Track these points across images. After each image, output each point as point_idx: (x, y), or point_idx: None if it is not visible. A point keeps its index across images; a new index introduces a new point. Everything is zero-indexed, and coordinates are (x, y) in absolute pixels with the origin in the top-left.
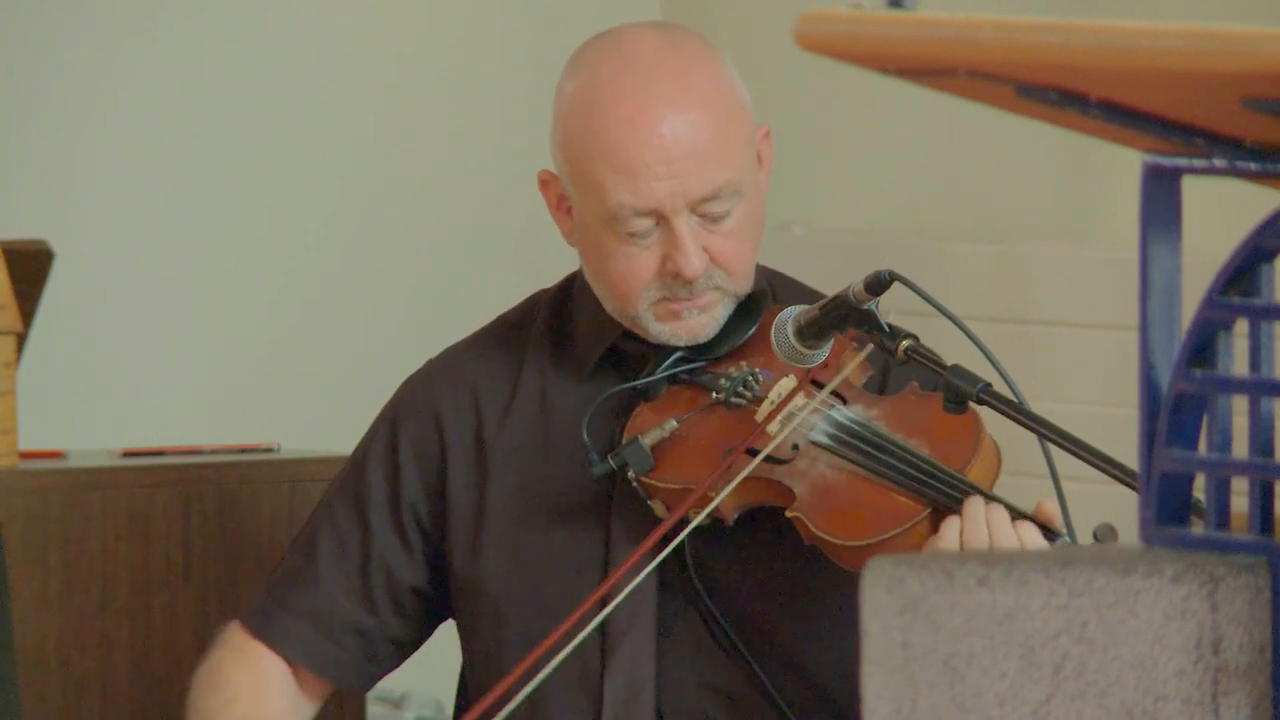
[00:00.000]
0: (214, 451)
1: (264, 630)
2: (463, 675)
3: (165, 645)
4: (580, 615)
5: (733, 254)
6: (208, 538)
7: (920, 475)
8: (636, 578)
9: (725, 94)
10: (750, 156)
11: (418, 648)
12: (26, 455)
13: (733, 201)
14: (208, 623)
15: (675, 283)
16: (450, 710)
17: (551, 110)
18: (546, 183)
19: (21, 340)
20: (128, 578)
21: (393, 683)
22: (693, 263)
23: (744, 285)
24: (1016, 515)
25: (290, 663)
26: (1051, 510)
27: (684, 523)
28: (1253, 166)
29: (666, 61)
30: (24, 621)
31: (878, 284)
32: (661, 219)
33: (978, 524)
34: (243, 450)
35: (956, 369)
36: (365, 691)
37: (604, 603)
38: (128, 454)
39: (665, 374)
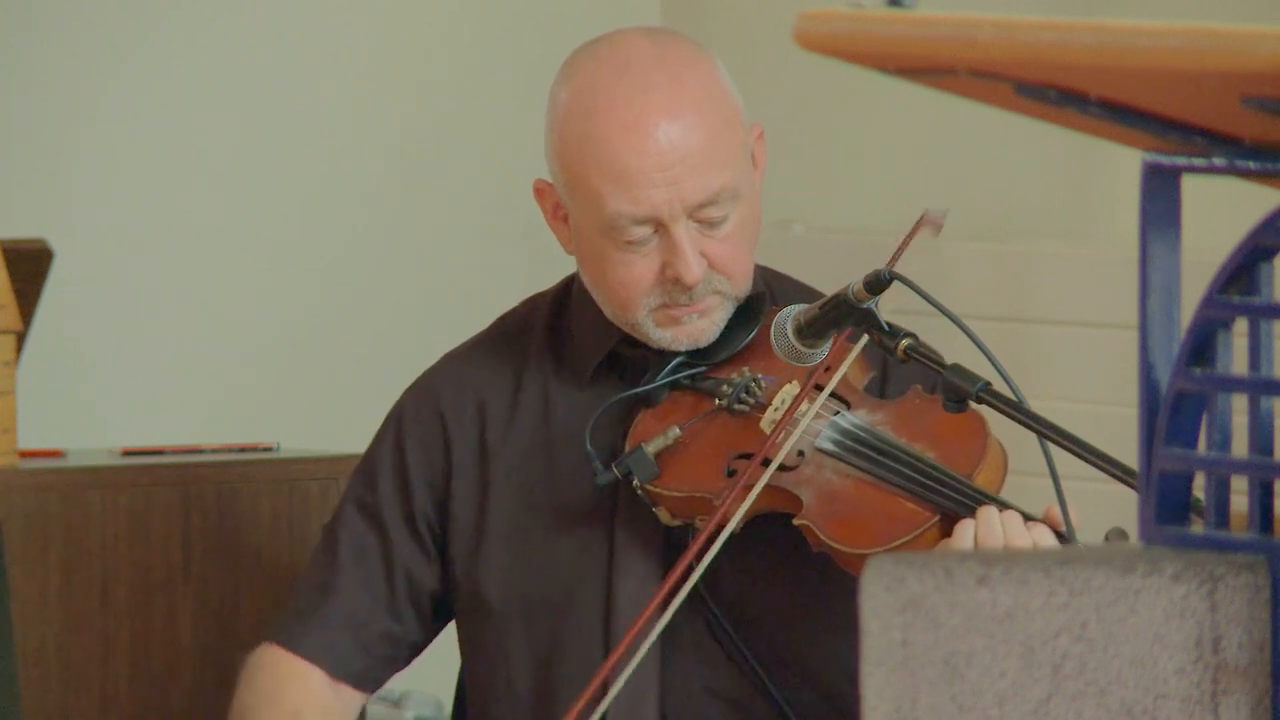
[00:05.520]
0: (214, 451)
1: (300, 645)
2: (460, 680)
3: (165, 645)
4: (638, 624)
5: (731, 258)
6: (207, 537)
7: (928, 481)
8: (681, 592)
9: (718, 98)
10: (745, 159)
11: (426, 648)
12: (26, 454)
13: (730, 205)
14: (207, 622)
15: (675, 289)
16: (449, 710)
17: (545, 118)
18: (542, 191)
19: (21, 339)
20: (128, 577)
21: (393, 683)
22: (692, 269)
23: (743, 288)
24: (1028, 519)
25: (331, 676)
26: (1058, 515)
27: (695, 533)
28: (1252, 165)
29: (659, 67)
30: (24, 621)
31: (877, 283)
32: (660, 226)
33: (992, 526)
34: (242, 450)
35: (956, 368)
36: (372, 693)
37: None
38: (127, 453)
39: (666, 380)
